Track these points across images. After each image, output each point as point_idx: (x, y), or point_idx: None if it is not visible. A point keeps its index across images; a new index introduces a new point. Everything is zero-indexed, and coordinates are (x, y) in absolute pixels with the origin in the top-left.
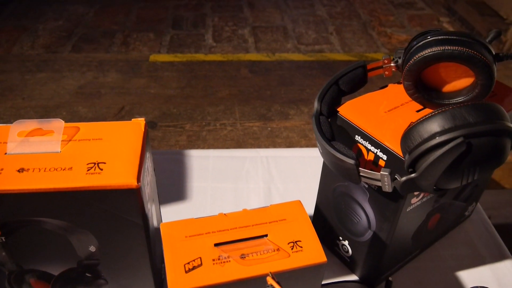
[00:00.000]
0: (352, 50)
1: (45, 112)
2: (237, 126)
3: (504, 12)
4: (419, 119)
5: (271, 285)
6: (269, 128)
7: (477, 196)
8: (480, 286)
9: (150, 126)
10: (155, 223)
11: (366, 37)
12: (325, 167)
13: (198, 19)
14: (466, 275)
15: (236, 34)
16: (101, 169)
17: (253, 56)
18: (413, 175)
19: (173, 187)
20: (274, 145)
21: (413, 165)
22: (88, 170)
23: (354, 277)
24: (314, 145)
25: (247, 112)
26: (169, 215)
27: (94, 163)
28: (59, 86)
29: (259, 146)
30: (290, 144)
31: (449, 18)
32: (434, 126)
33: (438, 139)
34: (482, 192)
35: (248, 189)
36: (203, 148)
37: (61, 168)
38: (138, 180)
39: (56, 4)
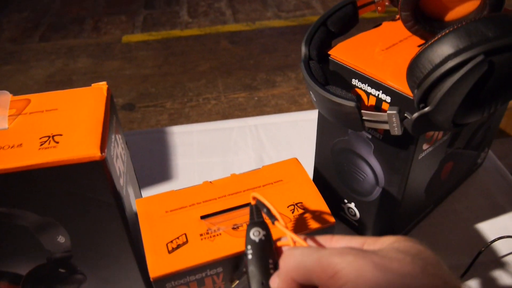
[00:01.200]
0: None
1: None
2: (222, 99)
3: None
4: (427, 42)
5: (255, 206)
6: (256, 98)
7: (489, 141)
8: (506, 236)
9: (128, 108)
10: (134, 206)
11: None
12: (321, 122)
13: None
14: (485, 227)
15: (212, 8)
16: (57, 142)
17: (232, 27)
18: (426, 109)
19: (156, 168)
20: (263, 114)
21: (424, 100)
22: (41, 144)
23: None
24: (305, 110)
25: (231, 84)
26: None
27: (48, 137)
28: (27, 77)
29: (247, 117)
30: (280, 111)
31: None
32: (446, 47)
33: (453, 62)
34: (494, 136)
35: (239, 161)
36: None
37: (9, 146)
38: (102, 150)
39: None
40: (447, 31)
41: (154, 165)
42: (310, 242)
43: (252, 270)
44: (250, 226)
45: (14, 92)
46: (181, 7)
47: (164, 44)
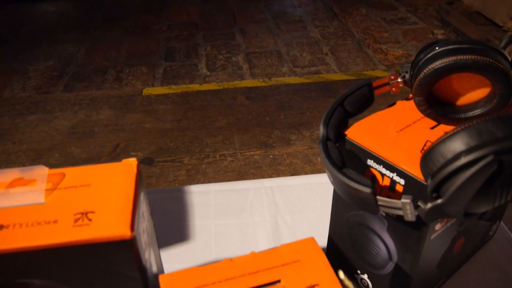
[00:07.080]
0: (349, 69)
1: (37, 156)
2: (238, 156)
3: (500, 19)
4: (440, 137)
5: None
6: (271, 156)
7: (501, 213)
8: None
9: (146, 162)
10: (154, 270)
11: (362, 55)
12: (336, 196)
13: (190, 49)
14: None
15: (230, 61)
16: (90, 220)
17: (249, 83)
18: (439, 201)
19: (174, 228)
20: (278, 173)
21: (437, 190)
22: (75, 221)
23: None
24: (319, 171)
25: (247, 141)
26: (170, 260)
27: (82, 213)
28: (50, 127)
29: (262, 176)
30: (294, 171)
31: (443, 30)
32: (458, 144)
33: (464, 159)
34: (506, 208)
35: (254, 224)
36: (203, 182)
37: (45, 222)
38: (132, 229)
39: (46, 44)
40: (459, 128)
41: (172, 225)
42: None
43: None
44: None
45: (38, 143)
46: (200, 60)
47: (183, 98)
